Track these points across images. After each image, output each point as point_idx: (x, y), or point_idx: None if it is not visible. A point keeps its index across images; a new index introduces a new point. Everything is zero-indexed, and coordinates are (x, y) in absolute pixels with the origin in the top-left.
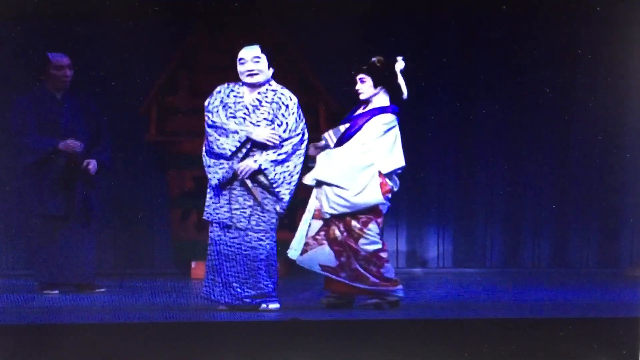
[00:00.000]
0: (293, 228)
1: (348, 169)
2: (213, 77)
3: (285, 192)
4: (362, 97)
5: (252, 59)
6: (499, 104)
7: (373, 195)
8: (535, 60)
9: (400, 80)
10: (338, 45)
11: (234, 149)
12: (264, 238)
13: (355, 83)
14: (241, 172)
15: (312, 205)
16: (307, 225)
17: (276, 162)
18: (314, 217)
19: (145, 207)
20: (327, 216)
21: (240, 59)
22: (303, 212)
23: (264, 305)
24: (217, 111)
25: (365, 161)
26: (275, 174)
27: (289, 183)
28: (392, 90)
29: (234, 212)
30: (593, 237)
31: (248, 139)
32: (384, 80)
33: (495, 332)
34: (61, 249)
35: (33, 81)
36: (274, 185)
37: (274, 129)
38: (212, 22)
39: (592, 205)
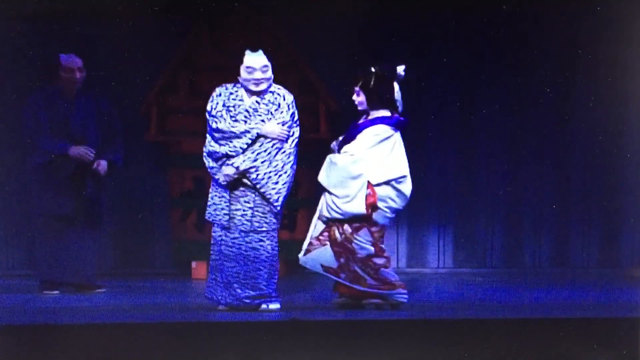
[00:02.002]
0: (293, 228)
1: (339, 177)
2: (213, 77)
3: (271, 192)
4: (358, 108)
5: (260, 68)
6: (499, 104)
7: (357, 205)
8: (535, 60)
9: (397, 95)
10: (338, 45)
11: (245, 146)
12: (264, 239)
13: (353, 92)
14: (223, 181)
15: (319, 206)
16: (314, 226)
17: (257, 163)
18: (319, 218)
19: (145, 207)
20: (324, 219)
21: (248, 67)
22: (304, 212)
23: (264, 306)
24: (222, 115)
25: (355, 171)
26: (258, 175)
27: (276, 183)
28: (386, 106)
29: (234, 212)
30: (593, 237)
31: (259, 136)
32: (376, 98)
33: (495, 332)
34: (64, 248)
35: (42, 81)
36: (258, 186)
37: None
38: (212, 22)
39: (593, 205)
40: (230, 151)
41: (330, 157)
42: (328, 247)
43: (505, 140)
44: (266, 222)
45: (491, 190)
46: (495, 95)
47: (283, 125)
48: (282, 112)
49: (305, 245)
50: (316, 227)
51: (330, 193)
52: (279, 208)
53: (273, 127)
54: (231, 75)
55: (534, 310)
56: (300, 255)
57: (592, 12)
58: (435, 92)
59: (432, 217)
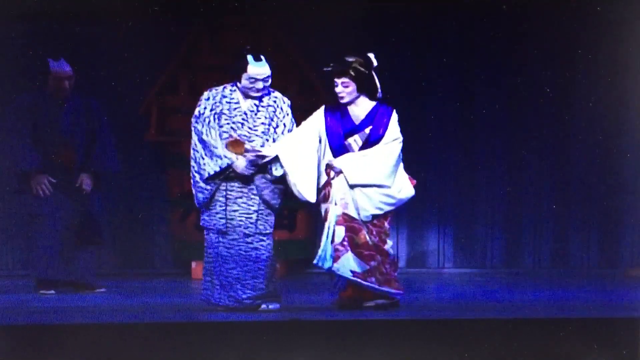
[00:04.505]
0: (293, 228)
1: (390, 167)
2: (213, 77)
3: (276, 191)
4: (343, 100)
5: (263, 79)
6: (499, 104)
7: (409, 189)
8: (535, 60)
9: (376, 80)
10: (338, 45)
11: (212, 172)
12: (265, 239)
13: (333, 84)
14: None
15: (334, 211)
16: (332, 232)
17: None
18: (337, 224)
19: (145, 207)
20: (370, 218)
21: (251, 78)
22: (303, 213)
23: (264, 306)
24: (209, 122)
25: (400, 157)
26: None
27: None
28: (371, 92)
29: (231, 214)
30: (593, 237)
31: (229, 167)
32: (366, 84)
33: (495, 332)
34: (61, 248)
35: (34, 82)
36: (269, 183)
37: (269, 130)
38: (212, 22)
39: (592, 205)
40: (201, 172)
41: (363, 155)
42: (350, 252)
43: (505, 140)
44: (269, 225)
45: (491, 190)
46: (495, 95)
47: (291, 130)
48: (284, 116)
49: (328, 252)
50: (336, 232)
51: (373, 187)
52: (279, 208)
53: (243, 163)
54: (231, 75)
55: (534, 310)
56: (328, 263)
57: (592, 12)
58: (435, 92)
59: (432, 217)
